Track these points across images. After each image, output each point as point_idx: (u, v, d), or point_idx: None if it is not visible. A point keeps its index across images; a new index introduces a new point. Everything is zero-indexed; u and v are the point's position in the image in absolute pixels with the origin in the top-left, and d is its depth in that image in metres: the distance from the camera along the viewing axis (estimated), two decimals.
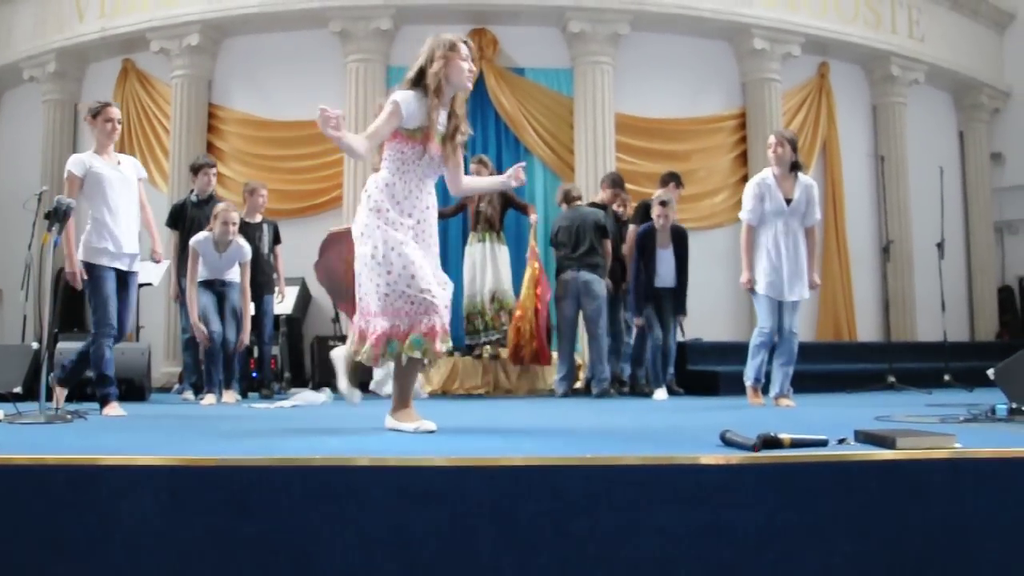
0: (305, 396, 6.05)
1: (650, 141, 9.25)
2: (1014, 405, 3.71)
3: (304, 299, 8.66)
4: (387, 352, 3.24)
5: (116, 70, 9.60)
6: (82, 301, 9.39)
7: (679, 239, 6.90)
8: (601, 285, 6.96)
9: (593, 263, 6.95)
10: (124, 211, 4.83)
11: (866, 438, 2.46)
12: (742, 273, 5.42)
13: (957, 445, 2.29)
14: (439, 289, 3.29)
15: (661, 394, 6.58)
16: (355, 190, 8.56)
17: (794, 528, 2.07)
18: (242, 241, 6.09)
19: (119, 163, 4.92)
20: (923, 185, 9.77)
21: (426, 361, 3.33)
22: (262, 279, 6.63)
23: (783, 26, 9.56)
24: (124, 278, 4.87)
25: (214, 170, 6.78)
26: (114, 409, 4.61)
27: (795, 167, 5.35)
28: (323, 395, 6.06)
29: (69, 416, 3.87)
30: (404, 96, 3.34)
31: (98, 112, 4.86)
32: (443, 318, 3.25)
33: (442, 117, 3.43)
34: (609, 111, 8.95)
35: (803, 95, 10.08)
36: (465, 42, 3.47)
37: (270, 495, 2.07)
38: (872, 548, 2.09)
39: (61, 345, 6.31)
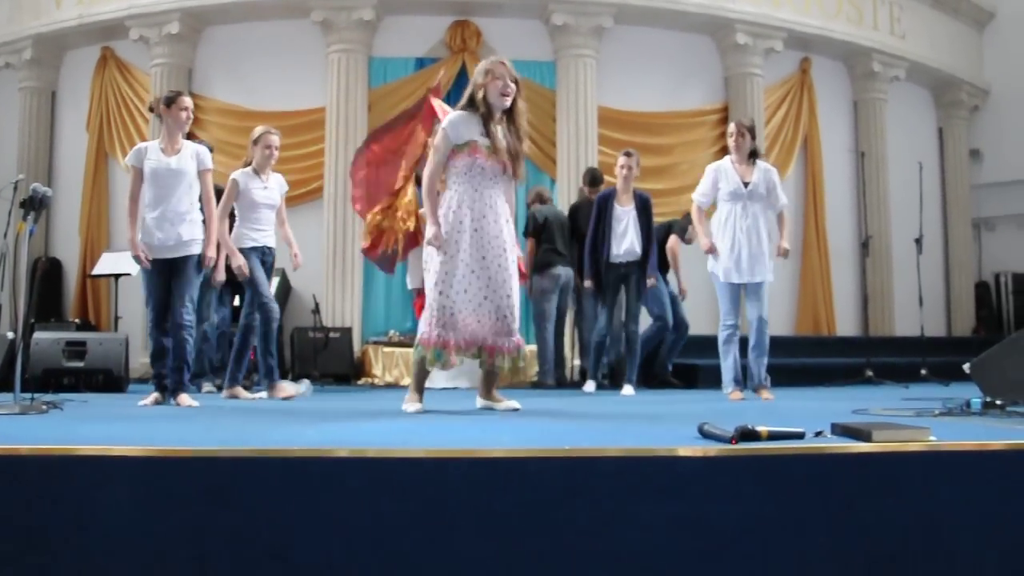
0: (284, 387, 6.01)
1: (632, 135, 9.26)
2: (988, 399, 3.74)
3: (284, 290, 8.62)
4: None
5: (94, 58, 9.49)
6: (59, 291, 9.37)
7: (643, 205, 6.40)
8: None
9: (570, 260, 7.02)
10: (164, 204, 4.69)
11: (843, 431, 2.47)
12: (702, 242, 5.37)
13: (932, 438, 2.31)
14: (466, 302, 3.79)
15: (590, 386, 6.50)
16: (336, 181, 8.54)
17: (771, 520, 2.08)
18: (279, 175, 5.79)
19: (179, 152, 4.80)
20: (902, 181, 9.85)
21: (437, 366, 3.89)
22: None
23: (766, 21, 9.60)
24: (172, 264, 4.74)
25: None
26: (185, 400, 4.61)
27: (753, 155, 5.37)
28: (302, 386, 6.04)
29: (44, 407, 3.83)
30: (450, 120, 3.90)
31: (172, 101, 4.85)
32: (460, 333, 3.79)
33: (500, 132, 3.90)
34: (592, 104, 8.96)
35: (785, 90, 10.13)
36: (502, 62, 3.99)
37: (248, 486, 2.06)
38: (848, 540, 2.10)
39: (37, 335, 6.25)
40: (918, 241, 7.81)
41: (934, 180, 11.17)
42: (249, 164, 5.59)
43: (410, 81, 8.95)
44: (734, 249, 5.25)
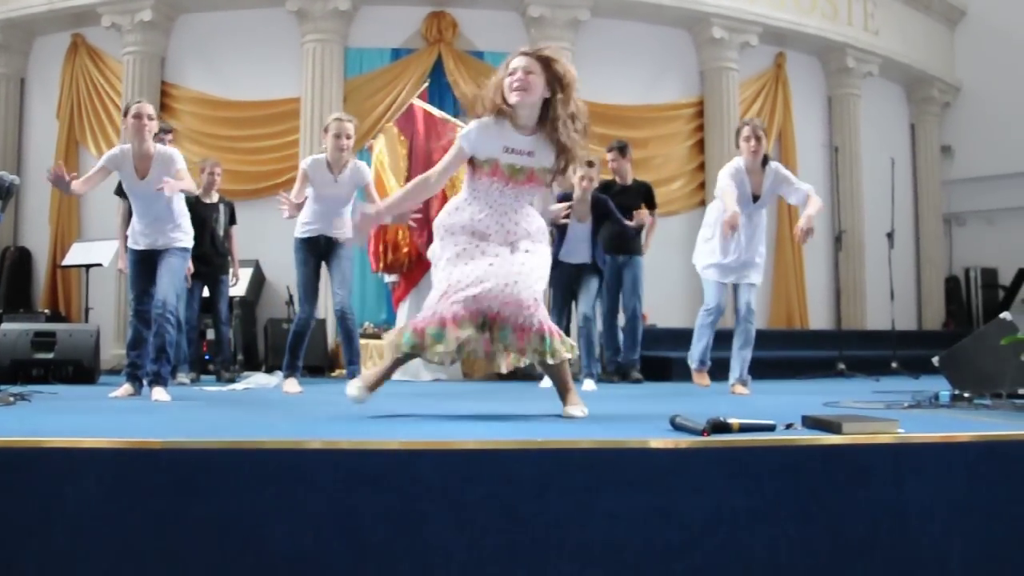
0: (257, 379, 5.99)
1: (608, 127, 9.24)
2: (957, 392, 3.80)
3: (258, 281, 8.57)
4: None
5: (65, 44, 9.35)
6: (28, 281, 9.25)
7: (598, 206, 6.19)
8: None
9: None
10: (149, 216, 4.63)
11: (813, 423, 2.49)
12: (727, 213, 5.01)
13: (900, 430, 2.34)
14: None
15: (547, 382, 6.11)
16: None
17: (741, 512, 2.09)
18: (361, 164, 5.39)
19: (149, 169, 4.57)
20: (875, 176, 9.95)
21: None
22: (218, 260, 6.52)
23: (742, 15, 9.64)
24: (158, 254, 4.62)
25: (170, 136, 6.55)
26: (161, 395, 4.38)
27: (765, 160, 5.22)
28: (275, 378, 6.00)
29: (12, 398, 3.78)
30: (467, 129, 3.25)
31: (126, 111, 4.65)
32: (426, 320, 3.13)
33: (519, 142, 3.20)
34: None
35: (760, 85, 10.18)
36: (522, 52, 3.20)
37: (219, 478, 2.04)
38: (817, 531, 2.12)
39: (5, 326, 6.17)
40: (890, 236, 7.89)
41: (906, 175, 11.29)
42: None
43: (386, 72, 8.91)
44: (729, 254, 5.18)
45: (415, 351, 3.14)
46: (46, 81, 9.48)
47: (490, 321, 3.11)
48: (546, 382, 5.75)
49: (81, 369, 6.07)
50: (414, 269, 7.25)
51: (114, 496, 2.02)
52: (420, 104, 7.42)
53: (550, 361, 3.15)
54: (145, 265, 4.62)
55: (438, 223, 3.29)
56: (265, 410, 3.61)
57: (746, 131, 5.13)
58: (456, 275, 3.13)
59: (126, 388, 4.55)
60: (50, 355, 6.04)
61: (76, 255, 7.85)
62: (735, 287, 5.29)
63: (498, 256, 3.15)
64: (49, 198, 9.18)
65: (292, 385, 5.10)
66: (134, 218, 4.67)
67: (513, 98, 3.11)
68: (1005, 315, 3.93)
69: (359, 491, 2.03)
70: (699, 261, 5.37)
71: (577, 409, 3.19)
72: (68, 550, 1.99)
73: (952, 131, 11.95)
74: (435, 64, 8.84)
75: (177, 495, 2.01)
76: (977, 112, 11.73)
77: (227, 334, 6.84)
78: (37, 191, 9.14)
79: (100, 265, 7.53)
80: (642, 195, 6.85)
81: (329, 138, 5.17)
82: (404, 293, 7.32)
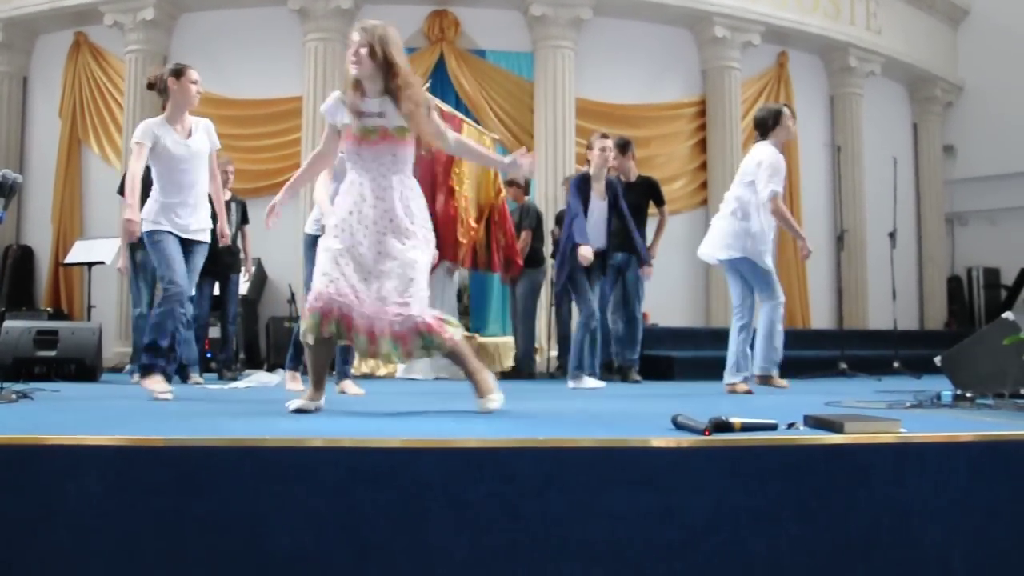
0: (259, 377, 5.98)
1: (610, 126, 9.19)
2: (959, 392, 3.79)
3: (260, 280, 8.57)
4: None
5: (67, 43, 9.36)
6: (31, 279, 9.25)
7: (611, 191, 6.09)
8: None
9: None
10: (189, 189, 4.40)
11: (815, 423, 2.49)
12: (801, 243, 5.26)
13: (902, 430, 2.33)
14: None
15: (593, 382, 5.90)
16: None
17: (743, 511, 2.09)
18: None
19: (191, 134, 4.44)
20: (877, 176, 9.93)
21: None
22: (228, 259, 6.49)
23: (744, 15, 9.63)
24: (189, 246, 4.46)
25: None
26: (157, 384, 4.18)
27: None
28: (277, 376, 6.00)
29: (14, 396, 3.78)
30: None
31: (181, 73, 4.40)
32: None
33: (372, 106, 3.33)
34: (570, 95, 8.95)
35: (762, 84, 10.18)
36: (362, 27, 3.32)
37: (220, 476, 2.04)
38: (819, 530, 2.12)
39: (8, 324, 6.17)
40: (892, 235, 7.88)
41: (908, 175, 11.28)
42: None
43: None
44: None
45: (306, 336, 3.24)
46: (49, 80, 9.48)
47: (345, 327, 3.18)
48: (585, 381, 5.76)
49: (83, 367, 6.08)
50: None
51: (116, 493, 2.02)
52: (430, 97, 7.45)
53: (438, 355, 3.28)
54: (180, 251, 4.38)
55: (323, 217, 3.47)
56: (267, 408, 3.62)
57: (789, 120, 5.35)
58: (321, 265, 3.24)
59: (158, 381, 4.24)
60: (52, 353, 6.05)
61: (78, 253, 7.85)
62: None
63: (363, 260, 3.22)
64: (51, 196, 9.19)
65: (295, 382, 5.10)
66: (161, 198, 4.36)
67: (352, 72, 3.30)
68: (1007, 315, 3.92)
69: (360, 489, 2.03)
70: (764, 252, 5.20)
71: (490, 401, 3.23)
72: (70, 547, 1.99)
73: (954, 131, 11.94)
74: (437, 63, 8.84)
75: (179, 493, 2.01)
76: (980, 112, 11.71)
77: (232, 333, 6.84)
78: (40, 189, 9.15)
79: (102, 263, 7.54)
80: (647, 191, 6.82)
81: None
82: None
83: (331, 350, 3.41)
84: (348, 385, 4.95)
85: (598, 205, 6.02)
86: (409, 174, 3.38)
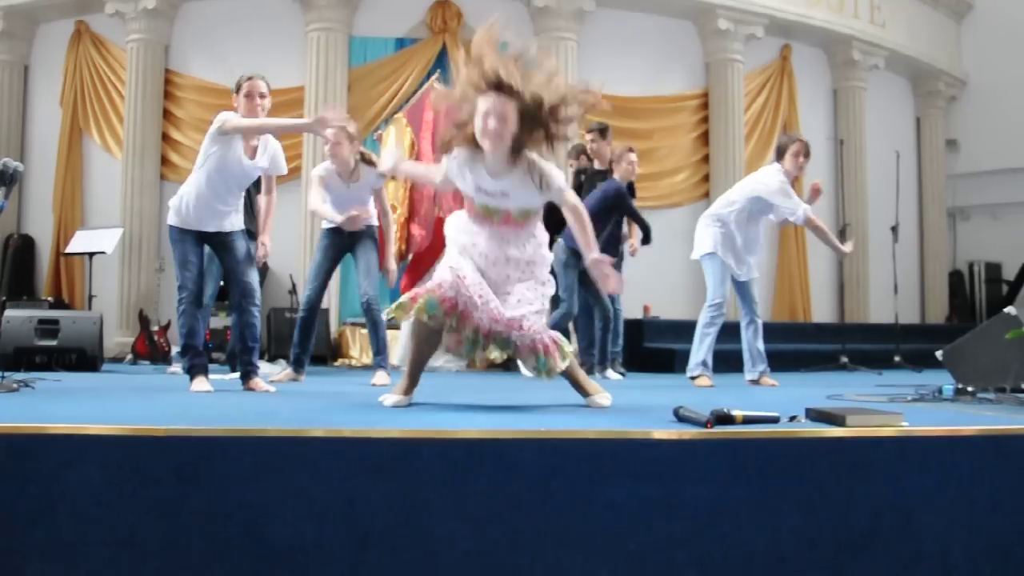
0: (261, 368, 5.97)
1: (612, 119, 9.17)
2: (960, 386, 3.79)
3: (260, 271, 8.55)
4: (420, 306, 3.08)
5: (68, 32, 9.31)
6: (32, 269, 9.25)
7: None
8: None
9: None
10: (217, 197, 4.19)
11: (817, 416, 2.49)
12: (846, 246, 5.45)
13: (904, 423, 2.33)
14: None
15: (613, 374, 6.21)
16: (314, 161, 8.46)
17: (744, 503, 2.09)
18: (373, 169, 5.03)
19: (256, 150, 4.28)
20: (880, 170, 9.91)
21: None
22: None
23: (747, 7, 9.59)
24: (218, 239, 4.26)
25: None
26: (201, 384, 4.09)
27: None
28: (279, 367, 6.00)
29: (15, 385, 3.78)
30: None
31: (239, 87, 4.32)
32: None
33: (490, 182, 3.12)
34: None
35: (765, 77, 10.14)
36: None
37: (221, 465, 2.04)
38: (820, 523, 2.12)
39: (8, 313, 6.16)
40: (894, 229, 7.87)
41: (911, 169, 11.25)
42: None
43: (390, 61, 8.88)
44: (740, 245, 5.27)
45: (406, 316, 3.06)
46: (49, 69, 9.45)
47: (460, 321, 3.04)
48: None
49: (84, 357, 6.08)
50: (421, 263, 7.25)
51: (117, 482, 2.02)
52: (441, 87, 7.44)
53: (545, 378, 3.11)
54: (199, 247, 4.24)
55: (448, 232, 3.26)
56: (267, 398, 3.62)
57: (796, 147, 5.24)
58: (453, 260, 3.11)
59: (201, 382, 4.10)
60: (53, 342, 6.04)
61: (79, 243, 7.85)
62: (741, 295, 5.36)
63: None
64: (52, 185, 9.18)
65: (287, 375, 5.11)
66: (194, 199, 4.18)
67: (486, 144, 2.96)
68: (1009, 309, 3.92)
69: (361, 480, 2.03)
70: (714, 249, 5.30)
71: (602, 398, 3.19)
72: (71, 536, 1.99)
73: (958, 125, 11.90)
74: (440, 54, 8.81)
75: (179, 482, 2.01)
76: (983, 106, 11.68)
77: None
78: (40, 178, 9.13)
79: (103, 253, 7.53)
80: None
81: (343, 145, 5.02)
82: (408, 286, 7.31)
83: (436, 346, 3.22)
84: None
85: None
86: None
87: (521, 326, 2.99)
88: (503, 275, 3.10)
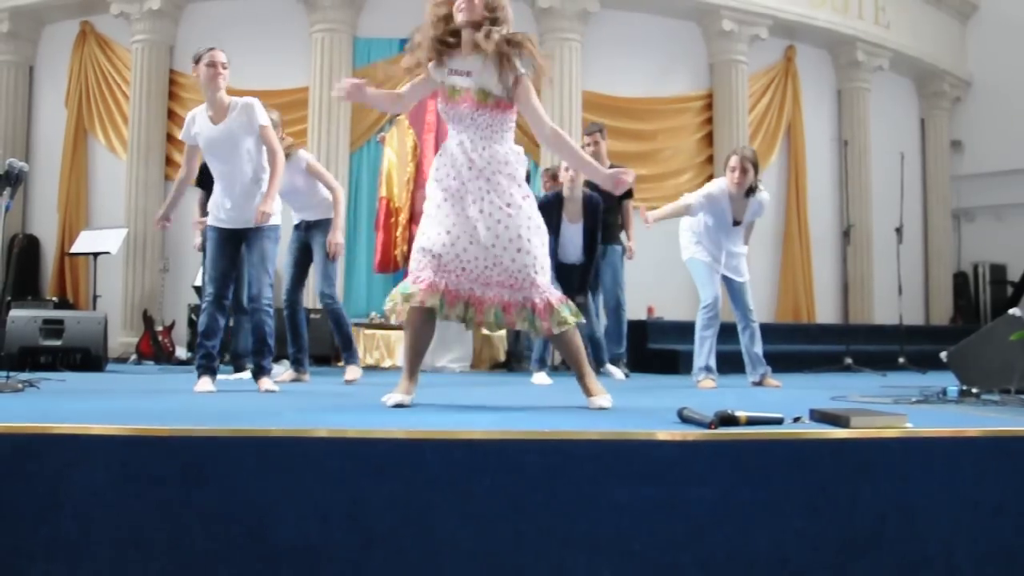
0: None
1: (616, 120, 9.24)
2: (965, 387, 3.78)
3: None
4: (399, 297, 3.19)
5: (73, 32, 9.34)
6: (36, 269, 9.27)
7: (591, 210, 5.91)
8: None
9: None
10: (226, 176, 4.22)
11: (821, 417, 2.49)
12: (652, 215, 5.18)
13: (908, 425, 2.33)
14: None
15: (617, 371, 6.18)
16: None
17: (748, 504, 2.09)
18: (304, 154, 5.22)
19: (228, 113, 4.26)
20: (884, 171, 9.89)
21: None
22: None
23: (751, 8, 9.59)
24: (244, 235, 4.25)
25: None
26: (266, 383, 4.16)
27: (751, 191, 5.16)
28: (280, 367, 6.00)
29: (20, 385, 3.80)
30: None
31: (197, 59, 4.34)
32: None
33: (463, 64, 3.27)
34: (576, 88, 8.93)
35: (769, 78, 10.14)
36: None
37: (225, 466, 2.05)
38: (824, 525, 2.12)
39: (13, 313, 6.18)
40: (898, 230, 7.85)
41: (915, 170, 11.24)
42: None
43: (394, 62, 8.87)
44: (718, 248, 5.22)
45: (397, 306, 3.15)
46: (55, 69, 9.48)
47: (474, 305, 3.17)
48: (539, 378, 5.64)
49: (89, 357, 6.09)
50: None
51: (121, 482, 2.03)
52: None
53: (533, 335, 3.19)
54: (229, 245, 4.23)
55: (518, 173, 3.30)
56: (271, 398, 3.62)
57: (732, 161, 5.11)
58: (428, 237, 3.18)
59: (205, 382, 4.08)
60: (58, 342, 6.06)
61: (84, 243, 7.86)
62: (731, 296, 5.31)
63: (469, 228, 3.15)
64: (57, 186, 9.20)
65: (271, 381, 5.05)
66: (217, 191, 4.26)
67: (459, 16, 3.24)
68: (1014, 311, 3.92)
69: (365, 480, 2.03)
70: (691, 254, 5.32)
71: (602, 399, 3.16)
72: (75, 536, 1.99)
73: (962, 126, 11.88)
74: None
75: (184, 482, 2.02)
76: (988, 107, 11.66)
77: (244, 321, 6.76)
78: (46, 179, 9.15)
79: (108, 253, 7.54)
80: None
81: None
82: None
83: (431, 336, 3.30)
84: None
85: (570, 228, 5.90)
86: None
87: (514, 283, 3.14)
88: (477, 195, 3.17)
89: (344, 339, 5.28)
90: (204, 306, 4.19)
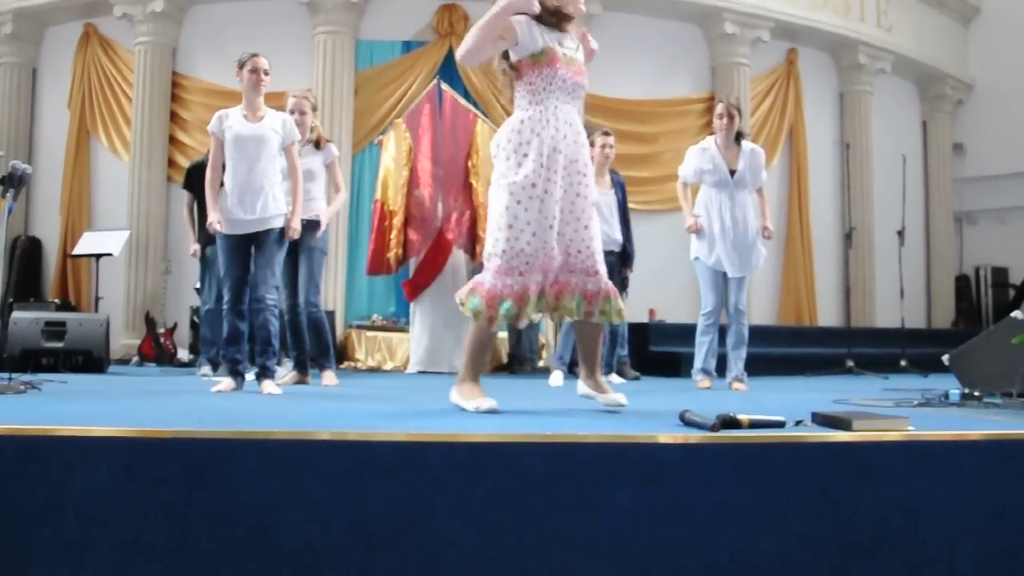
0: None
1: (618, 122, 9.22)
2: (967, 390, 3.78)
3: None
4: (499, 315, 3.01)
5: (77, 34, 9.36)
6: (39, 271, 9.28)
7: (618, 185, 5.99)
8: None
9: None
10: (245, 176, 4.29)
11: (823, 420, 2.49)
12: (686, 220, 5.23)
13: (910, 428, 2.33)
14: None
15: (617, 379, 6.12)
16: None
17: (750, 507, 2.09)
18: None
19: (261, 120, 4.43)
20: (886, 174, 9.90)
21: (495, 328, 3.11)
22: None
23: (754, 11, 9.60)
24: (254, 238, 4.33)
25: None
26: (269, 387, 4.22)
27: (739, 137, 5.20)
28: (283, 369, 5.99)
29: (22, 387, 3.80)
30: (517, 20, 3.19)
31: (242, 64, 4.54)
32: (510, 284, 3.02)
33: (567, 41, 3.34)
34: None
35: (771, 80, 10.14)
36: None
37: (228, 468, 2.04)
38: (826, 528, 2.12)
39: (16, 315, 6.19)
40: (900, 233, 7.86)
41: (917, 173, 11.23)
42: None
43: (397, 64, 8.90)
44: (724, 238, 5.11)
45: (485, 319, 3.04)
46: (58, 71, 9.50)
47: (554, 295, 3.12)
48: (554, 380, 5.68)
49: (91, 358, 6.10)
50: (426, 270, 7.21)
51: (124, 484, 2.02)
52: (448, 89, 7.43)
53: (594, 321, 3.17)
54: (241, 251, 4.31)
55: (499, 142, 3.22)
56: (274, 400, 3.62)
57: (719, 108, 5.25)
58: (512, 242, 3.03)
59: (229, 383, 4.25)
60: (60, 344, 6.06)
61: (86, 244, 7.87)
62: (728, 285, 5.23)
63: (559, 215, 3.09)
64: (60, 188, 9.21)
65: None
66: (226, 195, 4.30)
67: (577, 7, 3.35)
68: (1016, 314, 3.91)
69: (367, 482, 2.03)
70: (696, 251, 5.28)
71: (619, 396, 3.15)
72: (78, 538, 1.99)
73: (964, 129, 11.88)
74: (446, 57, 8.82)
75: (186, 485, 2.02)
76: (990, 110, 11.66)
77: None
78: (48, 181, 9.17)
79: (110, 255, 7.55)
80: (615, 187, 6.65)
81: None
82: (414, 293, 7.26)
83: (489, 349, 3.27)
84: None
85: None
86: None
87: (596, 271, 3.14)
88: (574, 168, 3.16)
89: (323, 347, 5.30)
90: (224, 313, 4.33)
